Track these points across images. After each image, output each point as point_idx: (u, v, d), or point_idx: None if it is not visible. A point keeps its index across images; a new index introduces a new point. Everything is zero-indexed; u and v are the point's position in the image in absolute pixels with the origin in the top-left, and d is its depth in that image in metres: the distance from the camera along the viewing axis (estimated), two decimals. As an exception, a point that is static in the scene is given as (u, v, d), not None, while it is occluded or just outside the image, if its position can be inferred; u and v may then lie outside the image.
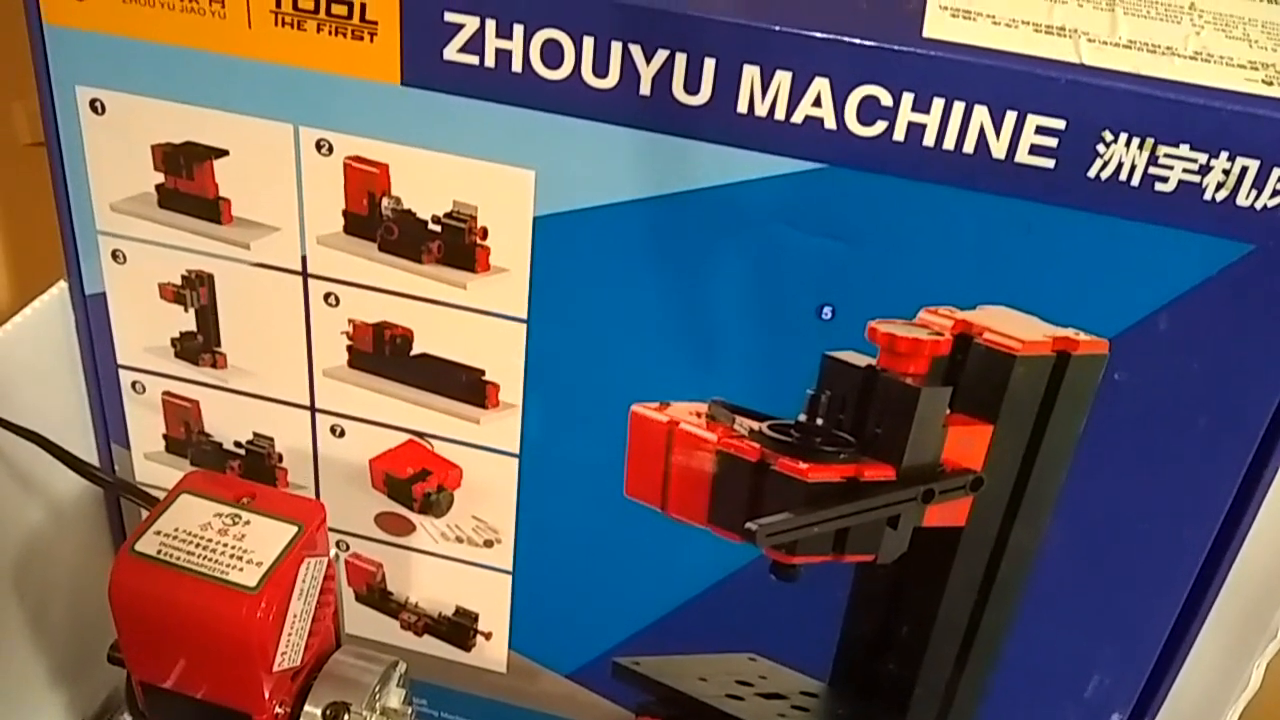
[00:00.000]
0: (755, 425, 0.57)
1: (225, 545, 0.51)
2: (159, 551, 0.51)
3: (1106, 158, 0.48)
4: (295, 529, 0.53)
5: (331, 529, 0.65)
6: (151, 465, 0.67)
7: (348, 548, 0.67)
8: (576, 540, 0.63)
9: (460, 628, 0.68)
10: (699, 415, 0.58)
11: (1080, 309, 0.51)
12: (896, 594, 0.61)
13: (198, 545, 0.51)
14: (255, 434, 0.64)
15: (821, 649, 0.64)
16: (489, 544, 0.64)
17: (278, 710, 0.54)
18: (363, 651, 0.57)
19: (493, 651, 0.68)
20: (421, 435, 0.62)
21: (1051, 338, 0.52)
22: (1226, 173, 0.47)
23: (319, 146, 0.55)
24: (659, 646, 0.66)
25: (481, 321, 0.57)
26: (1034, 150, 0.48)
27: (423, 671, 0.70)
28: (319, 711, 0.54)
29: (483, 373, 0.59)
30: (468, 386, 0.60)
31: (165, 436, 0.66)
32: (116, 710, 0.71)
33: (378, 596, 0.68)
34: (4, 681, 0.64)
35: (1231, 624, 0.60)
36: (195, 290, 0.60)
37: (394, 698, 0.57)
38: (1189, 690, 0.62)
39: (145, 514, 0.53)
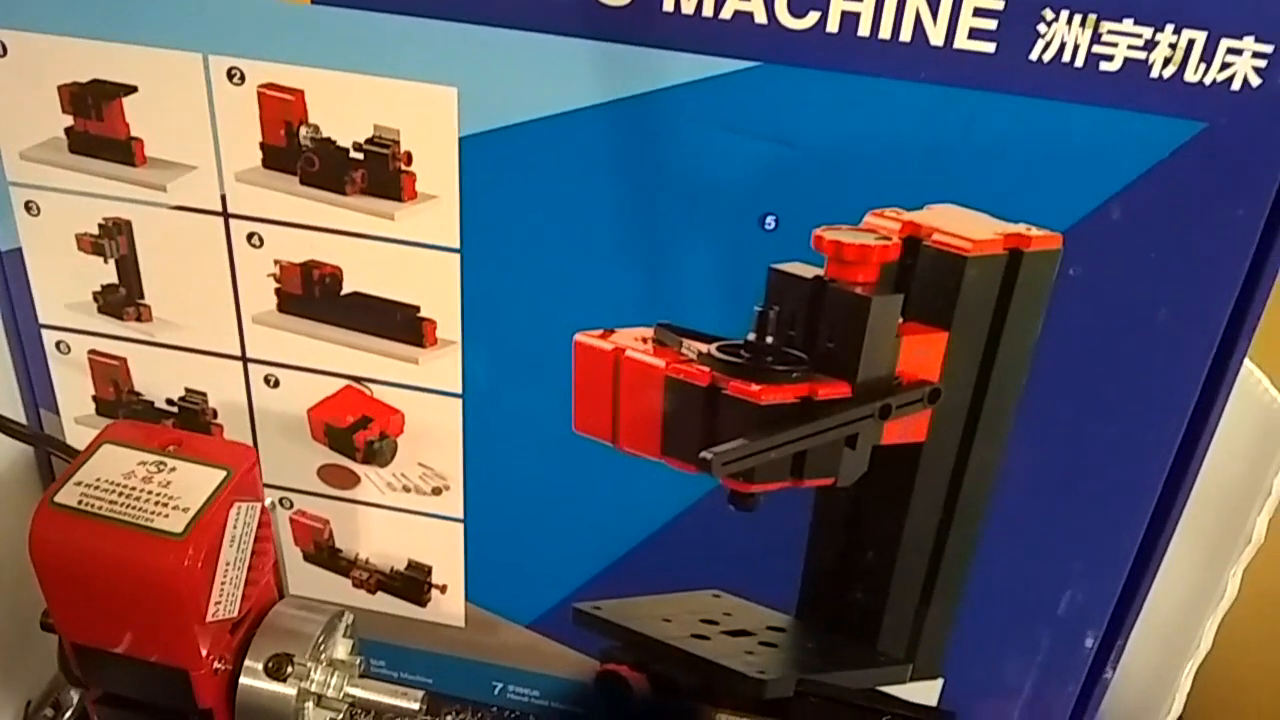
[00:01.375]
0: (704, 348, 0.55)
1: (150, 493, 0.49)
2: (80, 502, 0.48)
3: (1048, 38, 0.45)
4: (224, 473, 0.50)
5: (274, 485, 0.63)
6: (82, 430, 0.64)
7: (291, 505, 0.64)
8: (528, 482, 0.61)
9: (414, 582, 0.66)
10: (645, 341, 0.56)
11: (1030, 202, 0.49)
12: (858, 518, 0.59)
13: (121, 494, 0.49)
14: (187, 390, 0.62)
15: (786, 581, 0.62)
16: (437, 491, 0.62)
17: (216, 665, 0.51)
18: (305, 602, 0.55)
19: (449, 605, 0.66)
20: (359, 380, 0.60)
21: (1003, 235, 0.50)
22: (1173, 46, 0.45)
23: (230, 75, 0.52)
24: (620, 589, 0.64)
25: (413, 254, 0.55)
26: (973, 34, 0.46)
27: (379, 631, 0.67)
28: (260, 665, 0.52)
29: (418, 309, 0.57)
30: (403, 325, 0.57)
31: (94, 398, 0.63)
32: (61, 690, 0.68)
33: (326, 554, 0.66)
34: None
35: (1205, 531, 0.59)
36: (114, 239, 0.58)
37: (341, 648, 0.55)
38: (1164, 603, 0.60)
39: (71, 469, 0.50)
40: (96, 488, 0.49)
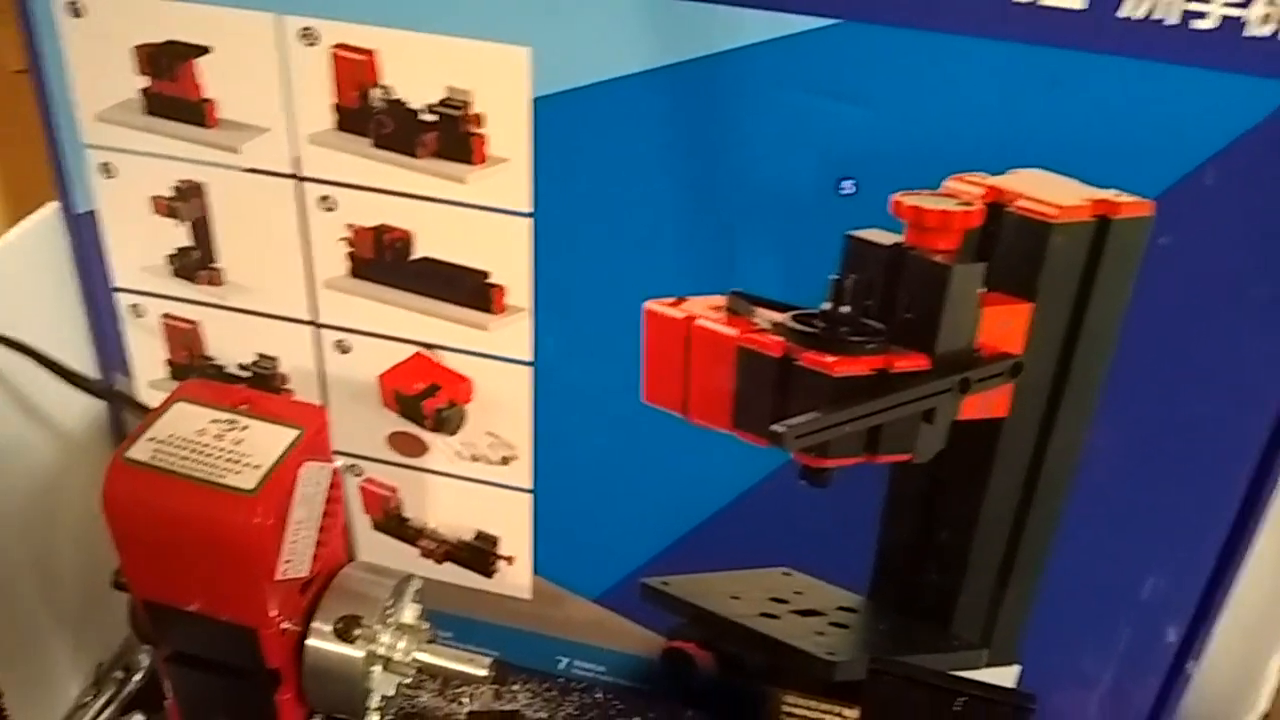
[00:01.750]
0: (778, 317, 0.54)
1: (222, 450, 0.49)
2: (152, 458, 0.49)
3: (1142, -7, 0.44)
4: (295, 433, 0.50)
5: (343, 453, 0.63)
6: (155, 394, 0.64)
7: (361, 472, 0.64)
8: (597, 453, 0.60)
9: (481, 553, 0.65)
10: (718, 309, 0.55)
11: (1120, 167, 0.47)
12: (935, 496, 0.58)
13: (193, 451, 0.49)
14: (259, 355, 0.62)
15: (858, 560, 0.60)
16: (506, 461, 0.62)
17: (285, 625, 0.51)
18: (374, 566, 0.55)
19: (516, 577, 0.66)
20: (429, 347, 0.59)
21: (1090, 201, 0.48)
22: (1272, 3, 0.43)
23: (303, 35, 0.52)
24: (689, 565, 0.63)
25: (483, 219, 0.55)
26: (1062, -11, 0.44)
27: (445, 602, 0.67)
28: (329, 626, 0.52)
29: (487, 275, 0.56)
30: (473, 291, 0.57)
31: (168, 362, 0.64)
32: (132, 653, 0.69)
33: (394, 523, 0.66)
34: (12, 627, 0.62)
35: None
36: (188, 202, 0.58)
37: (409, 613, 0.54)
38: (1250, 594, 0.58)
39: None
40: (169, 444, 0.49)
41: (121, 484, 0.49)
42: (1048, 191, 0.49)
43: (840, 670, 0.61)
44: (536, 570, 0.65)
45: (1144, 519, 0.55)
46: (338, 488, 0.52)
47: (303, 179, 0.56)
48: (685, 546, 0.62)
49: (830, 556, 0.61)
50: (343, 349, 0.60)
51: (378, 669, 0.53)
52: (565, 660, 0.68)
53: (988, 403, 0.54)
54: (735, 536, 0.61)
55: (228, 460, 0.49)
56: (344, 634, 0.52)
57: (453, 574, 0.67)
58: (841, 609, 0.62)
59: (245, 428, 0.50)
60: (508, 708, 0.55)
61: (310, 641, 0.52)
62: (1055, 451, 0.55)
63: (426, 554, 0.66)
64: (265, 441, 0.50)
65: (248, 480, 0.48)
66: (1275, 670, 0.60)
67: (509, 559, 0.65)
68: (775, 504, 0.59)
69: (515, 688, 0.57)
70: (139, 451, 0.49)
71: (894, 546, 0.59)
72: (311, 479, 0.50)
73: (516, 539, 0.64)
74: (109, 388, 0.63)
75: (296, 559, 0.50)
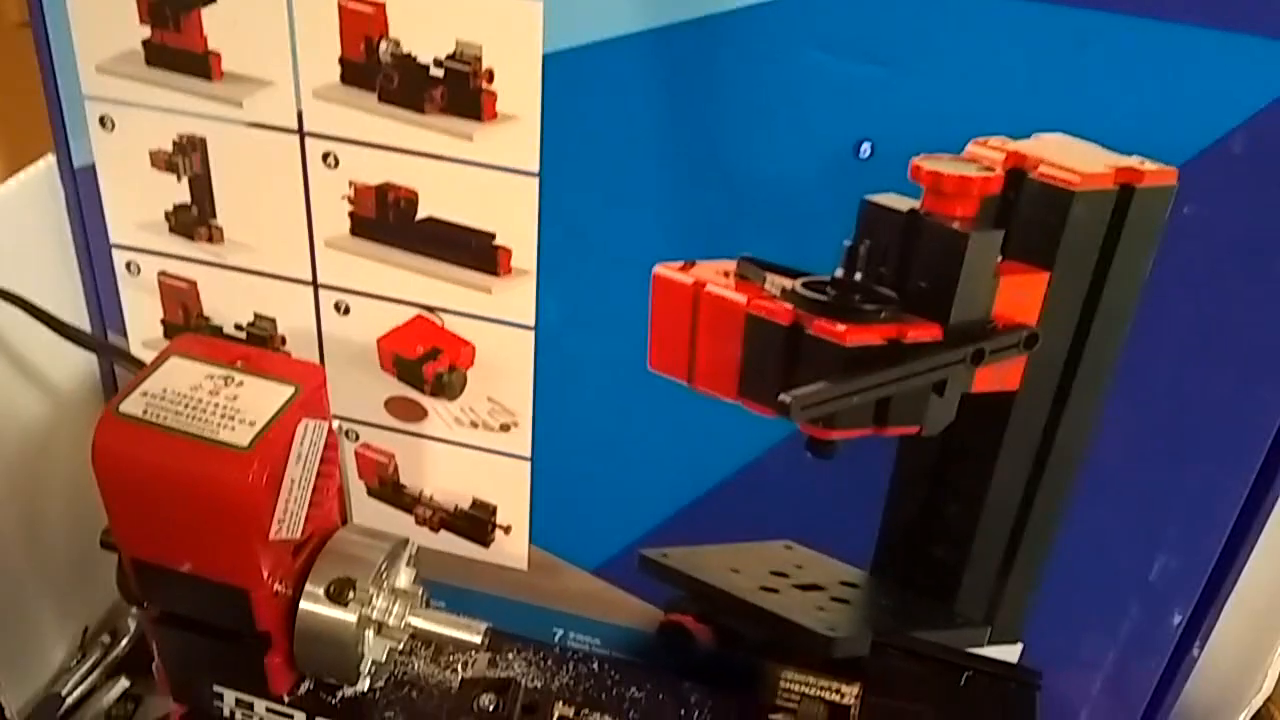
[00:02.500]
0: (788, 284, 0.52)
1: (216, 405, 0.48)
2: (145, 412, 0.47)
3: (1171, -49, 0.43)
4: (291, 389, 0.49)
5: (340, 417, 0.62)
6: (150, 354, 0.63)
7: (357, 437, 0.63)
8: (598, 421, 0.59)
9: (478, 521, 0.64)
10: (727, 275, 0.54)
11: (1144, 133, 0.46)
12: (943, 470, 0.57)
13: (187, 406, 0.48)
14: (256, 315, 0.61)
15: (862, 534, 0.59)
16: (505, 428, 0.61)
17: (277, 588, 0.50)
18: (369, 529, 0.54)
19: (513, 547, 0.65)
20: (430, 310, 0.58)
21: (1114, 169, 0.47)
22: (1309, -34, 0.42)
23: (310, -16, 0.51)
24: (689, 537, 0.62)
25: (490, 178, 0.53)
26: (1090, -54, 0.43)
27: (441, 571, 0.66)
28: (321, 589, 0.51)
29: (493, 236, 0.55)
30: (477, 252, 0.56)
31: (163, 322, 0.63)
32: (119, 618, 0.68)
33: (390, 490, 0.65)
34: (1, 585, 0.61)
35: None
36: (188, 156, 0.57)
37: (403, 577, 0.53)
38: (1255, 578, 0.57)
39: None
40: (162, 399, 0.48)
41: (112, 438, 0.47)
42: (1070, 158, 0.48)
43: (840, 646, 0.60)
44: (533, 540, 0.64)
45: (1155, 495, 0.54)
46: (334, 448, 0.51)
47: (306, 134, 0.55)
48: (686, 518, 0.61)
49: (834, 530, 0.60)
50: (342, 310, 0.59)
51: (370, 633, 0.52)
52: (560, 632, 0.67)
53: (1000, 375, 0.53)
54: (737, 508, 0.60)
55: (222, 416, 0.47)
56: (337, 597, 0.50)
57: (449, 543, 0.65)
58: (843, 584, 0.61)
59: (241, 384, 0.49)
60: (503, 675, 0.54)
61: (303, 605, 0.51)
62: (1067, 426, 0.54)
63: (422, 522, 0.65)
64: (261, 398, 0.48)
65: (242, 436, 0.47)
66: None
67: (506, 528, 0.64)
68: (779, 476, 0.58)
69: (510, 656, 0.56)
70: (131, 405, 0.48)
71: (899, 521, 0.58)
72: (307, 437, 0.49)
73: (514, 508, 0.63)
74: (102, 341, 0.61)
75: (290, 519, 0.48)
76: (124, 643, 0.67)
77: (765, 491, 0.59)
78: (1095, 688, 0.62)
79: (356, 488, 0.65)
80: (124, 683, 0.65)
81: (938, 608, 0.60)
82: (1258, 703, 0.62)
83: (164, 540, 0.49)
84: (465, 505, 0.64)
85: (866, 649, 0.57)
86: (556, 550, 0.64)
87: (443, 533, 0.65)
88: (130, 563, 0.51)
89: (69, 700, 0.64)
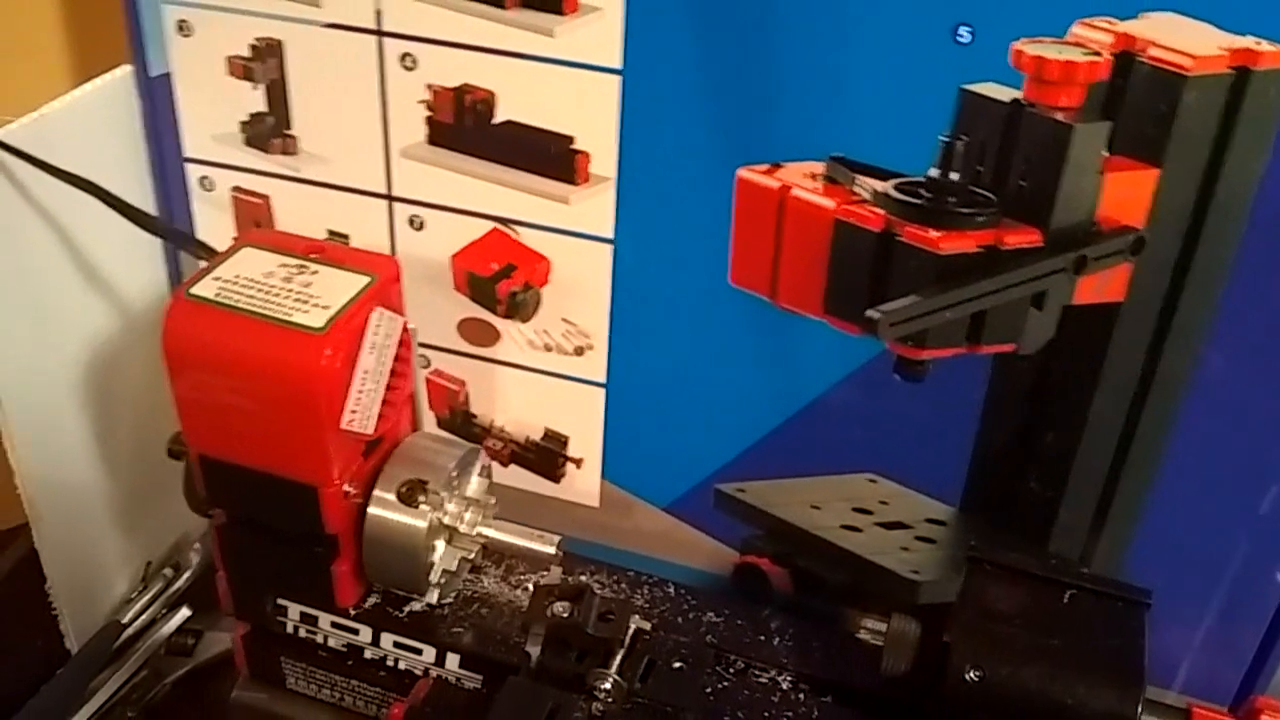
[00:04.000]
0: (880, 186, 0.50)
1: (290, 291, 0.47)
2: (217, 295, 0.46)
3: None
4: (367, 279, 0.48)
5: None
6: (221, 275, 0.62)
7: (429, 364, 0.62)
8: (675, 344, 0.57)
9: (549, 454, 0.62)
10: (815, 178, 0.51)
11: (1261, 10, 0.43)
12: (1041, 393, 0.54)
13: (260, 291, 0.47)
14: (330, 231, 0.60)
15: (951, 467, 0.56)
16: (580, 352, 0.59)
17: (346, 488, 0.49)
18: (440, 436, 0.52)
19: (584, 482, 0.63)
20: (506, 223, 0.56)
21: (1229, 50, 0.45)
22: None
23: (394, -128, 0.50)
24: (767, 470, 0.59)
25: (571, 76, 0.52)
26: None
27: (509, 509, 0.63)
28: (391, 494, 0.49)
29: (572, 140, 0.53)
30: (556, 158, 0.54)
31: (234, 239, 0.62)
32: (182, 552, 0.66)
33: (460, 420, 0.63)
34: (65, 518, 0.60)
35: None
36: (265, 62, 0.56)
37: (475, 486, 0.52)
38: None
39: (205, 267, 0.48)
40: (235, 283, 0.47)
41: (184, 321, 0.46)
42: (1183, 39, 0.45)
43: (926, 591, 0.58)
44: (605, 475, 0.62)
45: (1267, 420, 0.51)
46: (407, 347, 0.50)
47: (384, 34, 0.53)
48: (765, 450, 0.59)
49: (921, 462, 0.57)
50: (416, 225, 0.58)
51: (441, 542, 0.51)
52: (632, 574, 0.65)
53: (1104, 285, 0.50)
54: (819, 438, 0.57)
55: (295, 300, 0.46)
56: (408, 498, 0.49)
57: (518, 478, 0.64)
58: (930, 521, 0.58)
59: (315, 272, 0.48)
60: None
61: (372, 509, 0.50)
62: (1175, 342, 0.51)
63: (492, 455, 0.63)
64: (335, 285, 0.47)
65: (316, 319, 0.45)
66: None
67: (578, 461, 0.62)
68: (864, 401, 0.56)
69: (584, 578, 0.54)
70: (203, 289, 0.47)
71: (992, 451, 0.55)
72: (382, 327, 0.47)
73: (587, 439, 0.61)
74: (173, 227, 0.60)
75: (362, 411, 0.47)
76: (186, 575, 0.65)
77: (849, 420, 0.56)
78: (1194, 648, 0.58)
79: (427, 419, 0.63)
80: (185, 612, 0.64)
81: (1030, 549, 0.57)
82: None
83: (234, 433, 0.48)
84: (537, 436, 0.62)
85: (954, 594, 0.54)
86: (629, 486, 0.62)
87: (512, 467, 0.63)
88: (199, 462, 0.49)
89: (129, 630, 0.62)
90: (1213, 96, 0.46)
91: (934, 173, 0.49)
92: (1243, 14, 0.44)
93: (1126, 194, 0.48)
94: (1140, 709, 0.43)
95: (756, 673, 0.52)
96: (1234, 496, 0.53)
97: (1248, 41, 0.44)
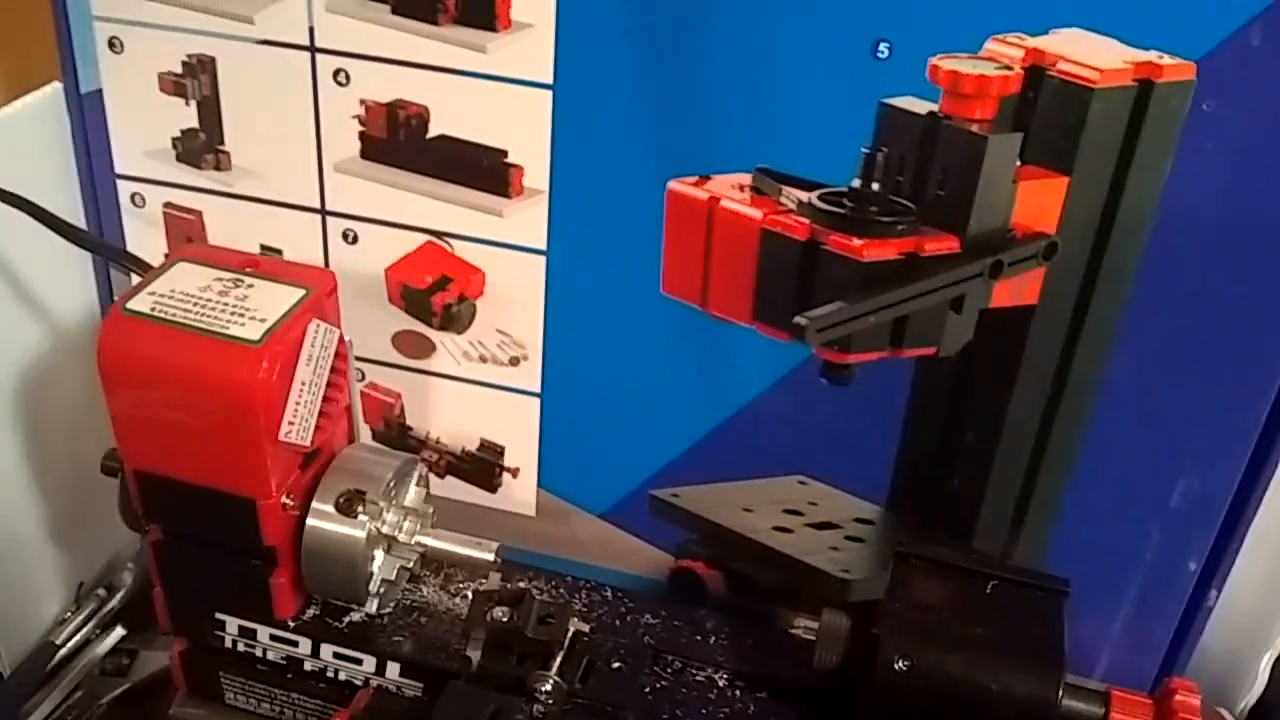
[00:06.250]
0: (804, 196, 0.52)
1: (226, 305, 0.47)
2: (153, 309, 0.47)
3: None
4: (302, 292, 0.48)
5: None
6: (153, 291, 0.62)
7: (364, 377, 0.62)
8: (609, 353, 0.58)
9: (485, 464, 0.63)
10: (743, 189, 0.53)
11: (1162, 26, 0.46)
12: (960, 394, 0.56)
13: (195, 304, 0.47)
14: (263, 246, 0.60)
15: (877, 466, 0.58)
16: (515, 362, 0.60)
17: (285, 501, 0.49)
18: (377, 447, 0.53)
19: (520, 491, 0.63)
20: (440, 236, 0.57)
21: (1133, 64, 0.47)
22: None
23: (325, -110, 0.51)
24: (700, 474, 0.60)
25: (503, 91, 0.53)
26: None
27: (447, 521, 0.64)
28: (329, 505, 0.50)
29: (505, 154, 0.54)
30: (489, 171, 0.55)
31: (166, 256, 0.62)
32: (114, 572, 0.66)
33: (396, 432, 0.64)
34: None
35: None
36: (197, 78, 0.56)
37: (413, 495, 0.52)
38: (1274, 520, 0.56)
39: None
40: (170, 298, 0.47)
41: (119, 335, 0.46)
42: (1089, 54, 0.47)
43: (856, 589, 0.59)
44: (541, 484, 0.63)
45: (1177, 412, 0.53)
46: (344, 359, 0.50)
47: (317, 50, 0.54)
48: (697, 455, 0.60)
49: (849, 464, 0.59)
50: (350, 239, 0.58)
51: (380, 552, 0.51)
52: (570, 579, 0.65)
53: (1018, 289, 0.52)
54: (750, 443, 0.59)
55: (232, 313, 0.47)
56: (346, 509, 0.49)
57: (455, 489, 0.64)
58: (858, 520, 0.60)
59: (251, 286, 0.48)
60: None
61: (310, 521, 0.50)
62: (1087, 342, 0.53)
63: (429, 466, 0.63)
64: (271, 298, 0.48)
65: (253, 332, 0.46)
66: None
67: (514, 471, 0.63)
68: (793, 407, 0.57)
69: (523, 584, 0.55)
70: (139, 303, 0.47)
71: (916, 451, 0.57)
72: (319, 339, 0.48)
73: (522, 448, 0.62)
74: (106, 242, 0.60)
75: (299, 423, 0.47)
76: (120, 595, 0.65)
77: (779, 424, 0.58)
78: (1112, 636, 0.61)
79: (363, 431, 0.63)
80: (119, 632, 0.63)
81: (955, 545, 0.58)
82: (1272, 654, 0.61)
83: (170, 447, 0.48)
84: (473, 447, 0.63)
85: (882, 592, 0.56)
86: (565, 494, 0.63)
87: (449, 478, 0.64)
88: (135, 477, 0.50)
89: (63, 651, 0.62)
90: (1118, 108, 0.48)
91: (856, 183, 0.51)
92: (1146, 29, 0.46)
93: (1039, 202, 0.50)
94: (1061, 692, 0.45)
95: (693, 671, 0.53)
96: (1146, 491, 0.56)
97: (1151, 55, 0.47)
